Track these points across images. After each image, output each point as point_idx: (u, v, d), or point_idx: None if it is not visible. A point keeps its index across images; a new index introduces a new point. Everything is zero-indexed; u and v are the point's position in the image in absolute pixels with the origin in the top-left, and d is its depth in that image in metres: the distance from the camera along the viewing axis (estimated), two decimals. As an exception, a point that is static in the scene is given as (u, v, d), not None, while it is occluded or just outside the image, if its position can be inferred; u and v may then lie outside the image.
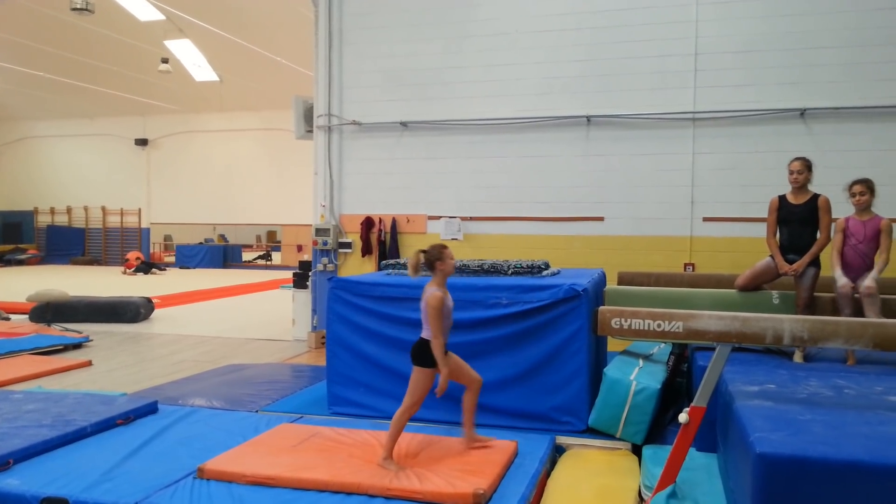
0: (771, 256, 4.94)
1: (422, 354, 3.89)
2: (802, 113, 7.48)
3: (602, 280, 5.84)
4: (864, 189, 4.76)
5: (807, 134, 7.51)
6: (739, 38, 7.68)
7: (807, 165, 4.87)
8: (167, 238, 26.85)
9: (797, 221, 4.86)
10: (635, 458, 4.31)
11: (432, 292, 3.86)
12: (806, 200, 4.87)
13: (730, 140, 7.73)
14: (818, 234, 4.83)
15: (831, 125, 7.46)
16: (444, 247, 4.00)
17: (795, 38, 7.52)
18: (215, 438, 4.37)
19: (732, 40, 7.70)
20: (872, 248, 4.65)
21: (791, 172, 4.88)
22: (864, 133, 7.37)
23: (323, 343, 7.91)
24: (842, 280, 4.62)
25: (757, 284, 5.05)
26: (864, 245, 4.67)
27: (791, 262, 4.82)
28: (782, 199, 4.98)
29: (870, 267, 4.62)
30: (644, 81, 7.95)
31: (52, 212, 25.39)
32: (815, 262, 4.80)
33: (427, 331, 3.89)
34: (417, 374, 3.92)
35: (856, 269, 4.66)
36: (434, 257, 3.93)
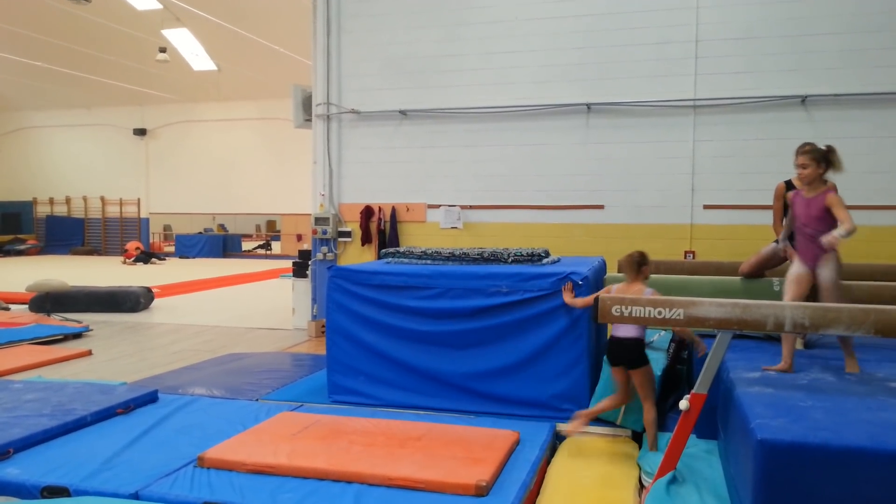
0: (776, 241, 4.86)
1: (640, 354, 4.10)
2: (803, 100, 7.45)
3: (602, 268, 5.83)
4: (807, 160, 3.99)
5: (807, 121, 7.48)
6: (740, 25, 7.63)
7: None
8: (167, 228, 26.83)
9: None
10: (636, 444, 4.32)
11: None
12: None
13: (730, 127, 7.70)
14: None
15: (832, 112, 7.43)
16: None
17: (796, 25, 7.48)
18: (215, 427, 4.37)
19: (733, 27, 7.65)
20: (821, 230, 3.86)
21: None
22: (864, 120, 7.34)
23: (323, 332, 7.90)
24: (800, 269, 4.03)
25: (761, 271, 5.01)
26: (811, 228, 3.93)
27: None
28: (788, 185, 4.83)
29: (822, 252, 3.91)
30: (644, 68, 7.91)
31: (52, 202, 25.36)
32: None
33: (634, 329, 4.04)
34: (644, 374, 4.11)
35: (810, 257, 3.98)
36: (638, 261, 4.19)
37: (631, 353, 4.10)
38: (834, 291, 3.90)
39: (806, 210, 4.01)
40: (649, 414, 4.11)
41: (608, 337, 4.21)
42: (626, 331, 4.08)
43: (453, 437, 4.08)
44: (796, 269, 4.06)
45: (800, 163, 4.08)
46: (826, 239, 3.77)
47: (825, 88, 7.40)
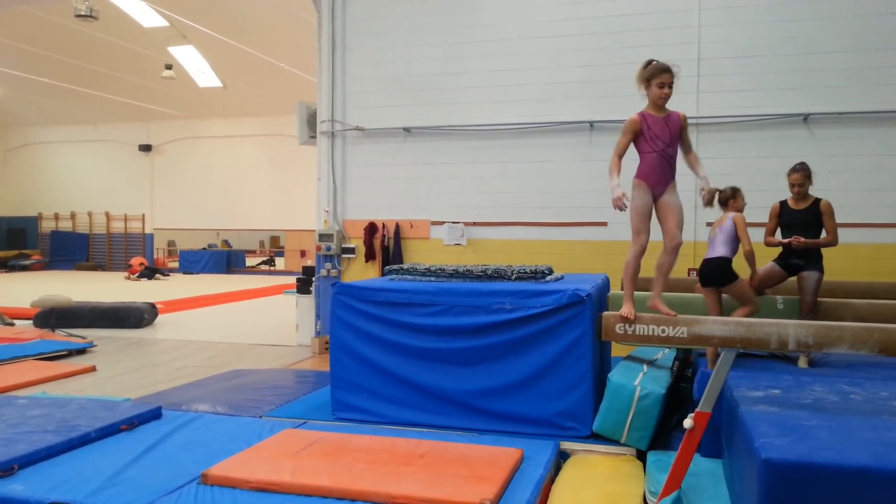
0: (773, 261, 4.93)
1: (729, 272, 4.54)
2: (805, 118, 7.48)
3: (606, 285, 5.83)
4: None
5: (810, 139, 7.51)
6: (742, 44, 7.68)
7: (806, 175, 4.83)
8: (171, 243, 26.89)
9: (799, 226, 4.84)
10: (640, 463, 4.30)
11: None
12: (808, 206, 4.86)
13: (732, 145, 7.72)
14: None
15: (834, 130, 7.46)
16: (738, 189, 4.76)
17: (798, 43, 7.53)
18: (219, 444, 4.37)
19: (735, 45, 7.70)
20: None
21: (792, 185, 4.87)
22: (867, 138, 7.37)
23: (326, 348, 7.91)
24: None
25: (760, 289, 5.04)
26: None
27: (793, 267, 4.82)
28: (783, 204, 4.99)
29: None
30: (647, 86, 7.93)
31: (56, 217, 25.46)
32: (820, 267, 4.77)
33: (724, 249, 4.55)
34: (738, 287, 4.53)
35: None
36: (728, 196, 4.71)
37: (722, 272, 4.54)
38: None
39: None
40: (745, 312, 4.46)
41: (703, 260, 4.69)
42: (716, 251, 4.60)
43: (457, 454, 4.08)
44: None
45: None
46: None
47: (828, 106, 7.43)
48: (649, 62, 4.15)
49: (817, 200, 4.85)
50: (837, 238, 4.81)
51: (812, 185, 4.88)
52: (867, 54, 7.34)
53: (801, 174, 4.83)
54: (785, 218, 4.93)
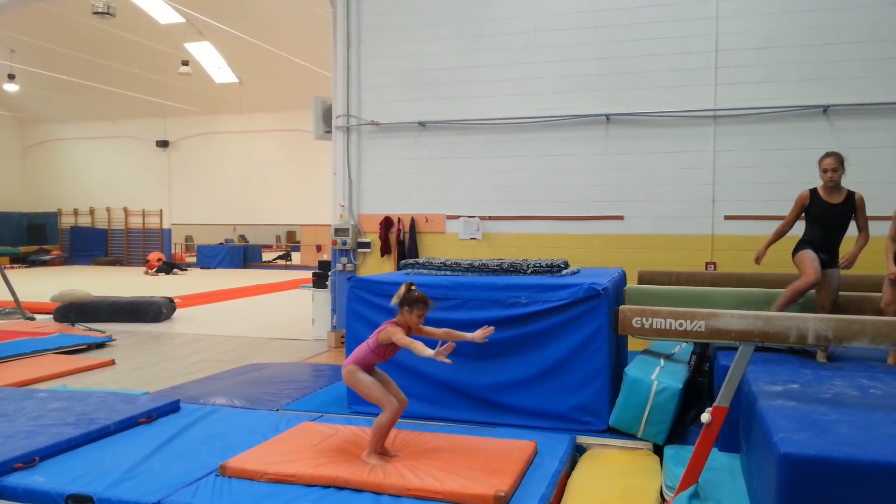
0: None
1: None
2: (825, 109, 7.38)
3: (622, 279, 5.80)
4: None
5: (829, 131, 7.41)
6: (760, 35, 7.59)
7: (840, 161, 4.62)
8: (188, 239, 27.11)
9: (836, 222, 4.65)
10: (657, 458, 4.28)
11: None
12: (843, 199, 4.65)
13: (751, 137, 7.65)
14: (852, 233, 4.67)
15: (855, 121, 7.35)
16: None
17: (816, 34, 7.43)
18: (236, 437, 4.40)
19: (753, 37, 7.62)
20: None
21: (825, 171, 4.63)
22: (888, 129, 7.26)
23: (342, 342, 7.94)
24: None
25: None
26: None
27: (823, 262, 4.62)
28: (814, 194, 4.74)
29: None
30: (664, 79, 7.89)
31: (76, 213, 25.72)
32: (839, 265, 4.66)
33: None
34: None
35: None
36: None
37: None
38: None
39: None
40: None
41: None
42: None
43: (470, 447, 4.08)
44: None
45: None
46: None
47: (848, 98, 7.33)
48: None
49: (852, 194, 4.66)
50: (869, 235, 4.68)
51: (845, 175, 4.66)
52: (887, 44, 7.23)
53: (835, 158, 4.61)
54: (817, 210, 4.70)
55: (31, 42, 18.10)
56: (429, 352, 3.68)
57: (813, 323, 3.16)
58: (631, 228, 8.05)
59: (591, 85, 8.15)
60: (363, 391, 3.93)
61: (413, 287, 3.98)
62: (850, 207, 4.62)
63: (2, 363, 7.19)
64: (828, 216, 4.66)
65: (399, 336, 3.83)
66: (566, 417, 4.68)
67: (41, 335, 8.78)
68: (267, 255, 27.55)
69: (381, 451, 3.91)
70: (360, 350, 3.99)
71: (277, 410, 5.22)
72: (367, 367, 3.97)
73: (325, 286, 9.50)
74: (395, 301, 3.97)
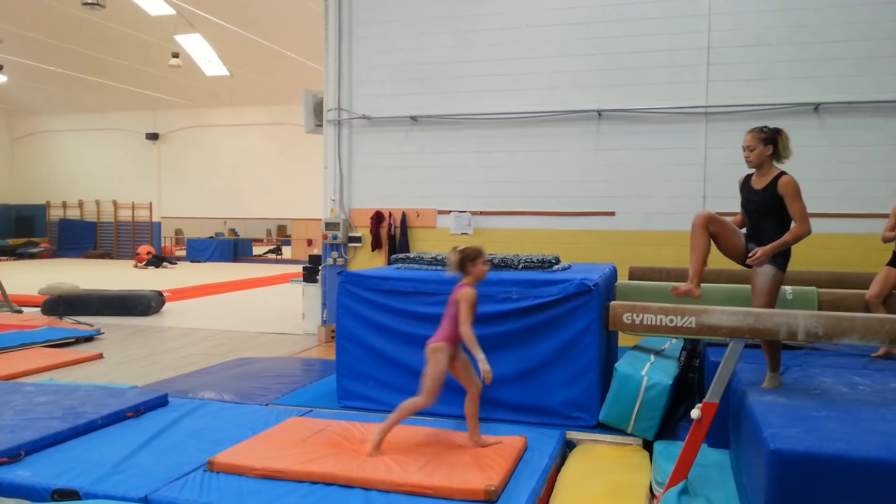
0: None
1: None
2: (816, 107, 7.40)
3: (613, 275, 5.80)
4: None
5: (820, 128, 7.43)
6: (752, 32, 7.60)
7: (761, 138, 3.83)
8: (178, 232, 26.97)
9: (756, 211, 3.92)
10: (646, 453, 4.29)
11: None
12: (766, 184, 3.84)
13: (742, 134, 7.61)
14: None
15: (846, 119, 7.38)
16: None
17: (809, 32, 7.45)
18: (225, 431, 4.37)
19: (745, 34, 7.63)
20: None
21: (743, 150, 3.93)
22: (879, 128, 7.29)
23: (332, 337, 7.91)
24: None
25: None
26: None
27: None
28: (746, 179, 4.07)
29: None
30: (655, 75, 7.89)
31: (64, 206, 25.53)
32: (777, 261, 3.82)
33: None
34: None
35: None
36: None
37: None
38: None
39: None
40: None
41: None
42: None
43: (461, 442, 4.07)
44: None
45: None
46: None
47: (839, 96, 7.35)
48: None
49: (778, 176, 3.84)
50: (809, 228, 3.79)
51: (782, 156, 3.94)
52: (879, 43, 7.26)
53: (752, 135, 3.92)
54: (742, 197, 4.08)
55: (19, 32, 17.90)
56: (482, 355, 3.77)
57: (803, 319, 3.17)
58: (622, 224, 8.06)
59: (583, 81, 8.14)
60: (430, 370, 3.92)
61: (457, 247, 4.00)
62: (772, 193, 3.81)
63: (-12, 356, 7.13)
64: (748, 205, 4.01)
65: (466, 329, 3.85)
66: (556, 413, 4.68)
67: (29, 328, 8.72)
68: (257, 249, 27.44)
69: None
70: (445, 327, 3.96)
71: (267, 405, 5.20)
72: (455, 345, 3.94)
73: (315, 280, 9.47)
74: (454, 269, 3.99)
